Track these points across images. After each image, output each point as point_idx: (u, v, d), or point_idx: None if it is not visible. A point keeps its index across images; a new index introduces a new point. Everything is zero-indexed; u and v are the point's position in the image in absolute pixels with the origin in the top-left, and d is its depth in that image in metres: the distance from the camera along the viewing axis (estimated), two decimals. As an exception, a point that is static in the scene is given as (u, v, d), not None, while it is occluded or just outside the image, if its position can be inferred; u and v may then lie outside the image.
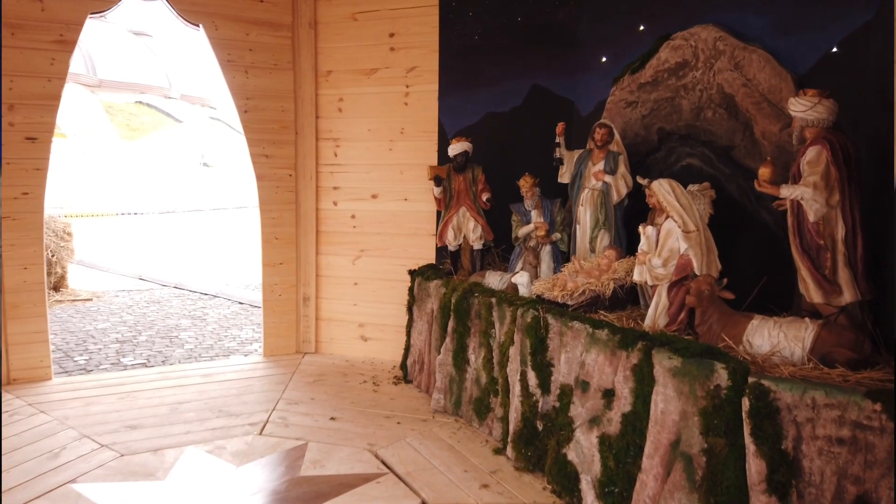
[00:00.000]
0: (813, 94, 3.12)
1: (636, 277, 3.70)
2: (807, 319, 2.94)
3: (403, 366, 5.65)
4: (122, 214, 30.13)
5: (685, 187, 4.09)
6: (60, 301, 9.66)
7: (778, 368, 2.75)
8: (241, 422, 4.59)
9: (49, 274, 9.88)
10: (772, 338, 2.91)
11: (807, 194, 3.00)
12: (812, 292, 3.07)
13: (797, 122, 3.18)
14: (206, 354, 6.77)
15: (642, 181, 4.33)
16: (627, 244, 4.66)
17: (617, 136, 4.63)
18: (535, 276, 4.88)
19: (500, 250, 5.68)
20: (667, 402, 2.92)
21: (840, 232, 3.01)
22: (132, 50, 42.82)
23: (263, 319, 6.35)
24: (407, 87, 6.00)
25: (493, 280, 4.97)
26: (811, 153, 3.03)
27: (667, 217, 3.57)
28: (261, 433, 4.39)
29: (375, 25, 6.01)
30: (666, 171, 4.58)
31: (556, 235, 5.05)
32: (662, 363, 2.96)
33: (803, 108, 3.10)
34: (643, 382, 3.09)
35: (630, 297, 4.13)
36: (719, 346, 3.01)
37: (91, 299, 9.95)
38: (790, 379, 2.62)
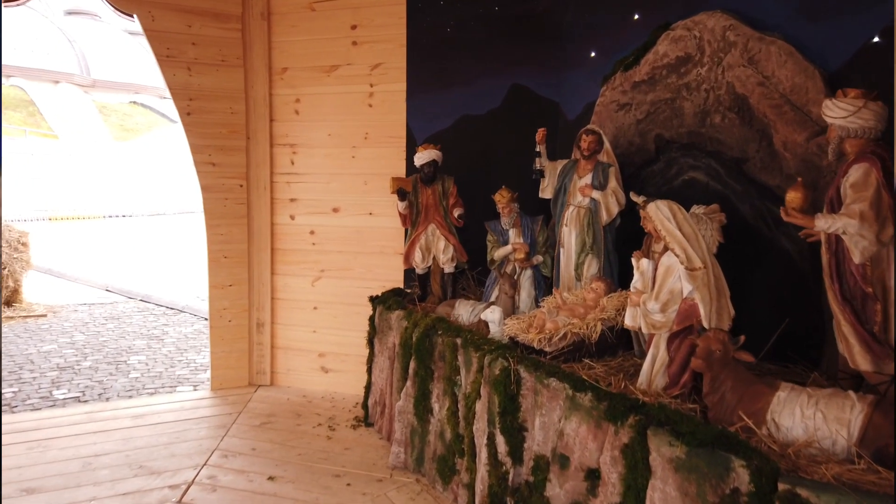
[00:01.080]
0: (856, 95, 2.41)
1: (628, 322, 2.98)
2: (851, 394, 2.22)
3: (365, 405, 4.93)
4: (110, 217, 29.37)
5: (688, 208, 3.41)
6: (11, 318, 8.93)
7: (817, 468, 2.03)
8: (161, 483, 3.87)
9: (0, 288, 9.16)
10: (806, 419, 2.19)
11: (851, 227, 2.28)
12: (857, 356, 2.35)
13: (835, 131, 2.47)
14: (150, 385, 6.05)
15: (636, 199, 3.62)
16: (620, 273, 3.95)
17: (607, 144, 3.93)
18: (512, 307, 4.16)
19: (475, 273, 4.97)
20: None
21: (894, 276, 2.30)
22: (127, 49, 42.05)
23: (211, 349, 5.63)
24: (371, 86, 5.29)
25: (464, 311, 4.25)
26: (857, 173, 2.31)
27: (665, 248, 2.86)
28: (181, 500, 3.67)
29: (336, 16, 5.30)
30: (665, 185, 3.87)
31: (538, 258, 4.35)
32: (661, 450, 2.24)
33: (843, 114, 2.39)
34: (636, 470, 2.37)
35: (622, 340, 3.42)
36: (735, 426, 2.29)
37: (45, 315, 9.22)
38: (836, 486, 1.90)
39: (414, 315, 4.18)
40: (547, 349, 3.23)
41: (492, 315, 3.66)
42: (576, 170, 4.03)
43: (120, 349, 7.40)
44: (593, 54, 4.41)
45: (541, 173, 4.10)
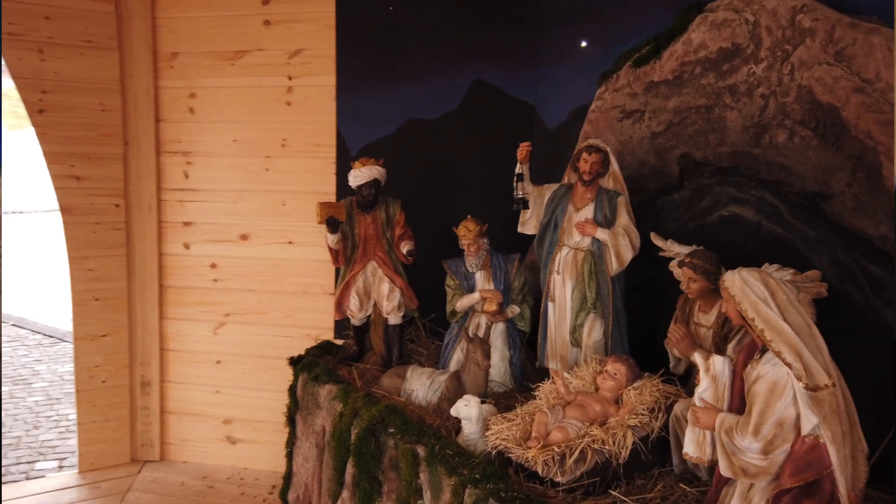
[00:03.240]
0: None
1: (691, 452, 1.96)
2: None
3: (284, 497, 3.76)
4: (-3, 214, 26.35)
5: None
6: None
7: None
8: None
9: None
10: None
11: None
12: None
13: None
14: (-2, 464, 4.64)
15: (661, 243, 2.65)
16: (631, 338, 2.96)
17: (615, 165, 2.93)
18: (485, 382, 3.10)
19: (428, 322, 3.88)
20: None
21: None
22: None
23: (78, 420, 4.32)
24: (290, 79, 4.11)
25: (419, 384, 3.16)
26: None
27: (752, 346, 1.86)
28: None
29: (243, -13, 4.08)
30: (692, 222, 2.90)
31: (514, 309, 3.32)
32: None
33: None
34: None
35: (658, 451, 2.40)
36: None
37: None
38: None
39: (352, 396, 3.04)
40: (559, 479, 2.17)
41: (467, 410, 2.57)
42: (570, 198, 3.01)
43: (-30, 403, 5.87)
44: (584, 44, 3.39)
45: (523, 203, 3.04)
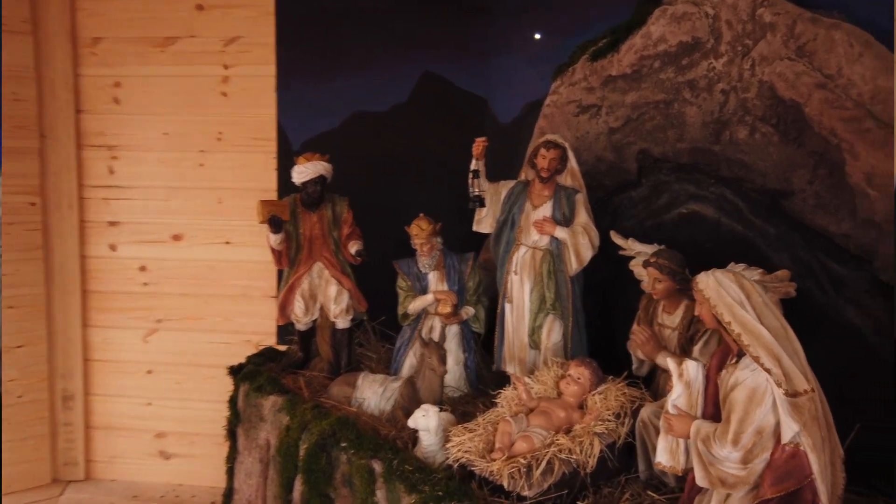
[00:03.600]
0: None
1: (663, 461, 1.88)
2: None
3: (225, 514, 3.53)
4: None
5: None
6: None
7: None
8: None
9: None
10: None
11: None
12: None
13: None
14: None
15: (621, 242, 2.59)
16: (590, 339, 2.89)
17: (573, 161, 2.85)
18: (441, 388, 2.97)
19: (378, 325, 3.71)
20: None
21: None
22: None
23: (-10, 439, 3.95)
24: (226, 67, 3.89)
25: (371, 392, 3.01)
26: None
27: (726, 350, 1.80)
28: None
29: (172, -32, 3.82)
30: (649, 220, 2.86)
31: (468, 311, 3.21)
32: None
33: None
34: None
35: (623, 458, 2.32)
36: None
37: None
38: None
39: (300, 408, 2.85)
40: (526, 492, 2.06)
41: (426, 421, 2.43)
42: (527, 196, 2.91)
43: None
44: (538, 36, 3.29)
45: (479, 201, 2.92)
